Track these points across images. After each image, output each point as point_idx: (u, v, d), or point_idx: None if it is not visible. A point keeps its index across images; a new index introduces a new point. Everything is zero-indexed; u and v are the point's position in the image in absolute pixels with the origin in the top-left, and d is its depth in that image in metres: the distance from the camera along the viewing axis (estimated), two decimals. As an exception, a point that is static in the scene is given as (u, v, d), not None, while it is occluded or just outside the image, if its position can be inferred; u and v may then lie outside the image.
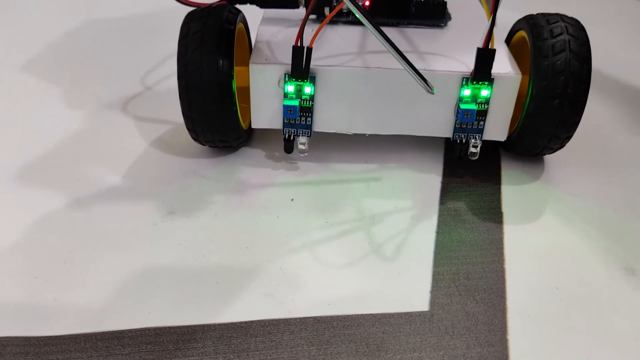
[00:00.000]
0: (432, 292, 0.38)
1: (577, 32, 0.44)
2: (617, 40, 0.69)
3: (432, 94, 0.42)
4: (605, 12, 0.76)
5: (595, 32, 0.45)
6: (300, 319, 0.36)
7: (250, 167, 0.48)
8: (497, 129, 0.45)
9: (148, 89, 0.58)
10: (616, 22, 0.73)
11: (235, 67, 0.44)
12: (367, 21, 0.39)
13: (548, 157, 0.50)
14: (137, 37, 0.67)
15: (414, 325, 0.36)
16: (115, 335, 0.35)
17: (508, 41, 0.50)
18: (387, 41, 0.40)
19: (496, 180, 0.47)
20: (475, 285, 0.39)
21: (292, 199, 0.45)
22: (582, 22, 0.45)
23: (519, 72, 0.44)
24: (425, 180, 0.47)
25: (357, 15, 0.39)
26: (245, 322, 0.36)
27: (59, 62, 0.62)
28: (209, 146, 0.48)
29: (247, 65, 0.44)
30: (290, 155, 0.49)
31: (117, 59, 0.63)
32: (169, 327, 0.36)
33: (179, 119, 0.46)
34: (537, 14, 0.46)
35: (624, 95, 0.59)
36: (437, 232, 0.43)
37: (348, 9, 0.47)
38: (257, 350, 0.35)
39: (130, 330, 0.35)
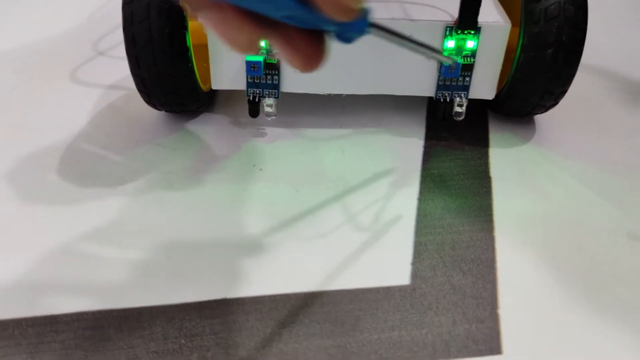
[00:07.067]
0: (413, 264, 0.34)
1: (571, -25, 0.39)
2: None
3: (458, 62, 0.39)
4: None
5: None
6: (267, 296, 0.32)
7: (212, 134, 0.43)
8: (484, 85, 0.41)
9: (101, 54, 0.53)
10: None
11: (191, 21, 0.39)
12: None
13: (539, 118, 0.46)
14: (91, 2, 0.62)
15: (393, 301, 0.32)
16: (47, 320, 0.30)
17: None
18: None
19: (484, 143, 0.43)
20: (462, 256, 0.35)
21: (260, 169, 0.40)
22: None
23: (509, 21, 0.40)
24: (405, 145, 0.43)
25: None
26: (200, 302, 0.31)
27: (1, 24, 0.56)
28: (165, 111, 0.43)
29: (205, 18, 0.39)
30: (256, 119, 0.44)
31: (68, 22, 0.57)
32: (111, 310, 0.31)
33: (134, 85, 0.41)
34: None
35: (618, 52, 0.55)
36: (419, 200, 0.38)
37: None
38: (214, 334, 0.30)
39: (65, 315, 0.31)
